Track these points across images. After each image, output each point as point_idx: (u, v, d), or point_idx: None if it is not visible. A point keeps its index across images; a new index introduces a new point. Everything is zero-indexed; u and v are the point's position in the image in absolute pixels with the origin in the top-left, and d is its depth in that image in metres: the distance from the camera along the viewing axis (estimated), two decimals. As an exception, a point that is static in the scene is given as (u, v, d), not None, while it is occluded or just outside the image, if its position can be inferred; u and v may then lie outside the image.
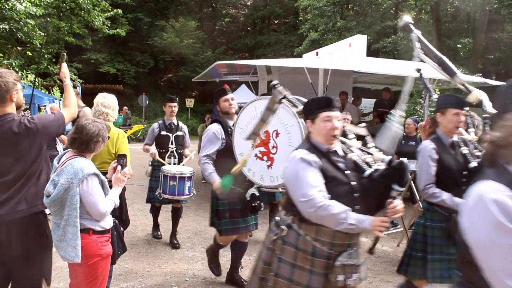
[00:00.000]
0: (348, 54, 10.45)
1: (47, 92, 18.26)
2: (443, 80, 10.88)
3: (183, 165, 6.06)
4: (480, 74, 18.76)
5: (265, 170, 3.90)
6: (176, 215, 6.50)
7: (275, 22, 38.73)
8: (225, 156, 4.32)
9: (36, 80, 16.35)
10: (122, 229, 3.70)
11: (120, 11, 20.05)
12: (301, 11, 33.11)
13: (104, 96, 4.48)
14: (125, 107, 23.82)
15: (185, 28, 31.56)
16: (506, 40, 23.45)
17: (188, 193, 5.46)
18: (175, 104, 6.25)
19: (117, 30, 20.64)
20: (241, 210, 4.41)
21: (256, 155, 3.92)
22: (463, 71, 16.55)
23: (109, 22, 20.20)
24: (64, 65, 3.76)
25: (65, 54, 3.99)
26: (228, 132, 4.48)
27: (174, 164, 6.12)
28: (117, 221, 3.51)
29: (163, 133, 6.21)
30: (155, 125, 6.33)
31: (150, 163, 6.33)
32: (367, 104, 14.11)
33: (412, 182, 6.34)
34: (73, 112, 3.52)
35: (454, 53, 23.82)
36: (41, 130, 3.20)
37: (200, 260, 5.77)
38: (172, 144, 6.20)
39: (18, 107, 3.42)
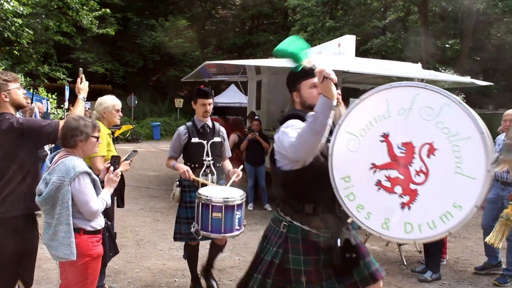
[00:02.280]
0: (337, 54, 10.48)
1: (35, 92, 18.10)
2: (431, 80, 10.97)
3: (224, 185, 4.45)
4: (468, 75, 18.93)
5: (395, 210, 2.39)
6: (216, 250, 4.80)
7: (264, 22, 38.76)
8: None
9: (24, 80, 16.22)
10: (114, 231, 3.68)
11: (108, 10, 19.97)
12: (290, 11, 33.19)
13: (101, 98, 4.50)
14: (114, 107, 23.67)
15: (174, 28, 31.46)
16: (493, 41, 23.68)
17: (239, 227, 3.77)
18: (210, 100, 4.49)
19: (106, 29, 20.53)
20: (332, 266, 2.69)
21: (378, 183, 2.43)
22: (451, 72, 16.71)
23: (98, 22, 20.08)
24: (82, 81, 3.87)
25: (81, 69, 3.94)
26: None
27: (213, 183, 4.40)
28: (109, 223, 3.50)
29: (195, 140, 4.46)
30: (181, 129, 4.55)
31: (178, 182, 4.50)
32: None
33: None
34: None
35: (442, 53, 24.02)
36: (27, 133, 3.18)
37: (190, 260, 5.75)
38: (207, 155, 4.46)
39: (18, 107, 3.42)
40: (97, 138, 3.20)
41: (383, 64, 10.13)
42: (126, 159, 3.76)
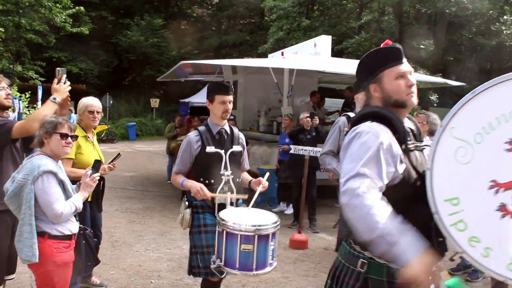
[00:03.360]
0: (313, 54, 10.54)
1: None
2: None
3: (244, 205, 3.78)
4: (441, 74, 19.26)
5: None
6: None
7: (241, 22, 38.75)
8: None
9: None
10: (96, 239, 3.59)
11: (82, 8, 19.66)
12: (266, 11, 33.25)
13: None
14: (89, 107, 23.34)
15: (150, 27, 31.20)
16: (465, 43, 24.15)
17: (272, 261, 3.03)
18: (231, 97, 3.57)
19: (80, 28, 20.22)
20: None
21: (502, 208, 1.82)
22: (425, 72, 16.97)
23: (72, 20, 19.76)
24: (60, 83, 3.56)
25: (59, 69, 3.61)
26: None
27: (232, 204, 3.58)
28: (87, 230, 3.40)
29: (210, 149, 3.50)
30: (192, 136, 3.57)
31: (187, 202, 3.57)
32: (336, 104, 14.27)
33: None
34: (29, 126, 3.31)
35: (416, 54, 24.38)
36: None
37: (166, 261, 5.71)
38: (226, 168, 3.53)
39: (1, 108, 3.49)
40: (65, 136, 3.03)
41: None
42: (110, 162, 3.88)
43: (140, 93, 31.08)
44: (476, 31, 23.55)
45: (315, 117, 8.02)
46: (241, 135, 3.76)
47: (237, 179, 3.63)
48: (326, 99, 11.87)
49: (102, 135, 23.09)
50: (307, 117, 7.87)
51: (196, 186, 3.36)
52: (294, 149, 6.94)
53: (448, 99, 24.55)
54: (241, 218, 2.97)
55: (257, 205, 10.27)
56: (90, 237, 3.40)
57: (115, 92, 29.11)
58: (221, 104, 3.50)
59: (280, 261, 5.91)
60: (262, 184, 3.49)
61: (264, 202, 9.27)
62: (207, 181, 3.49)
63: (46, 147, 3.03)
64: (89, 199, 4.29)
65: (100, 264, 5.33)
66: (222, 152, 3.53)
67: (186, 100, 27.07)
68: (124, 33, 30.40)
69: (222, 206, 3.47)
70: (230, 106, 3.52)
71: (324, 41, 10.94)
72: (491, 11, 21.05)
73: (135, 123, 26.58)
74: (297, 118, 8.81)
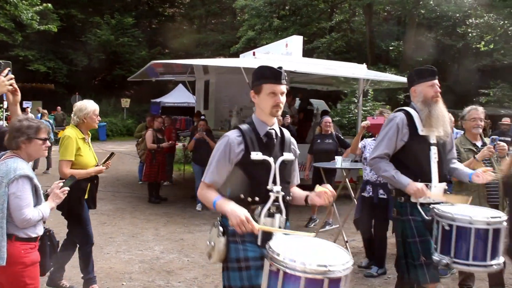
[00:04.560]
0: (285, 54, 10.59)
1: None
2: (376, 80, 11.29)
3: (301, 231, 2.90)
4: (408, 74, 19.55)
5: None
6: None
7: (213, 21, 38.64)
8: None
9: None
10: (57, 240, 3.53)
11: (50, 5, 19.25)
12: (238, 11, 33.24)
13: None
14: (59, 107, 22.88)
15: (121, 26, 30.81)
16: (433, 44, 24.67)
17: None
18: (284, 87, 2.68)
19: (48, 25, 19.80)
20: None
21: None
22: (394, 72, 17.26)
23: (39, 17, 19.33)
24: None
25: (2, 62, 3.25)
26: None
27: (280, 228, 2.69)
28: (51, 231, 3.37)
29: (256, 156, 2.63)
30: (233, 136, 2.69)
31: (221, 228, 2.64)
32: (315, 103, 14.36)
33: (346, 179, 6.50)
34: None
35: (386, 54, 24.77)
36: None
37: (137, 263, 5.65)
38: (275, 182, 2.66)
39: None
40: (44, 140, 3.08)
41: (330, 64, 10.32)
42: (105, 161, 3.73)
43: (111, 93, 30.67)
44: (443, 33, 24.08)
45: (287, 115, 8.05)
46: (293, 140, 2.89)
47: (287, 197, 2.75)
48: (296, 99, 11.97)
49: (72, 136, 22.63)
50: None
51: (238, 215, 2.42)
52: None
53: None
54: (301, 253, 2.21)
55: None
56: (54, 238, 3.37)
57: (85, 92, 28.60)
58: (270, 96, 2.62)
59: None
60: (327, 194, 2.64)
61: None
62: (249, 199, 2.60)
63: (22, 151, 3.03)
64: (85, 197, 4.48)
65: (70, 267, 5.25)
66: (271, 160, 2.64)
67: (158, 100, 26.87)
68: (93, 32, 29.93)
69: (267, 233, 2.57)
70: (283, 99, 2.64)
71: (296, 41, 11.00)
72: (457, 14, 21.57)
73: (105, 123, 26.18)
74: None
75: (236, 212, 2.44)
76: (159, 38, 35.64)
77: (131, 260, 5.75)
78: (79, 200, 4.40)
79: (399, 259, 3.55)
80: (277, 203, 2.65)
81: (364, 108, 12.74)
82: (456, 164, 3.73)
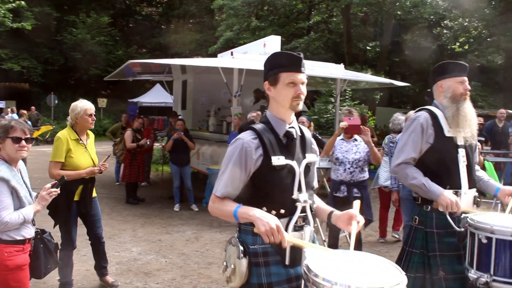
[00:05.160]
0: (263, 54, 10.60)
1: None
2: (354, 80, 11.38)
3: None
4: (383, 73, 19.83)
5: None
6: None
7: (190, 21, 38.45)
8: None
9: None
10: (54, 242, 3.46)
11: (23, 3, 18.84)
12: (216, 11, 33.14)
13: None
14: (33, 107, 22.50)
15: (97, 25, 30.44)
16: (409, 45, 24.99)
17: None
18: (304, 77, 2.28)
19: (22, 23, 19.40)
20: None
21: None
22: (371, 72, 17.43)
23: (12, 15, 18.94)
24: None
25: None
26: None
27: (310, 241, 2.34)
28: (46, 233, 3.31)
29: (278, 161, 2.25)
30: (248, 138, 2.27)
31: (241, 246, 2.24)
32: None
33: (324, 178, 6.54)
34: None
35: (363, 55, 25.00)
36: None
37: (115, 264, 5.60)
38: (300, 190, 2.30)
39: None
40: (18, 140, 3.01)
41: (307, 64, 10.33)
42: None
43: (87, 93, 30.17)
44: (419, 34, 24.42)
45: (266, 110, 8.01)
46: (313, 140, 2.52)
47: (314, 205, 2.43)
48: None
49: (47, 136, 22.32)
50: (257, 111, 7.88)
51: (268, 222, 2.03)
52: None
53: (394, 98, 25.34)
54: (347, 272, 1.82)
55: (207, 205, 10.23)
56: (48, 241, 3.33)
57: (61, 92, 28.25)
58: (290, 87, 2.22)
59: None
60: (356, 219, 2.19)
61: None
62: (273, 212, 2.19)
63: (3, 151, 3.00)
64: (75, 199, 4.45)
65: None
66: (294, 164, 2.27)
67: (135, 100, 26.62)
68: (69, 31, 29.50)
69: (296, 248, 2.21)
70: (304, 89, 2.25)
71: (274, 41, 11.01)
72: (432, 16, 21.90)
73: (81, 123, 25.83)
74: (246, 117, 8.84)
75: (266, 218, 2.05)
76: (136, 37, 35.34)
77: (108, 261, 5.69)
78: (66, 201, 4.34)
79: (412, 270, 3.12)
80: (304, 214, 2.28)
81: (342, 107, 12.84)
82: (480, 172, 3.40)
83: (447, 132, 3.12)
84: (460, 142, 3.13)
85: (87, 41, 29.19)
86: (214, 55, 19.23)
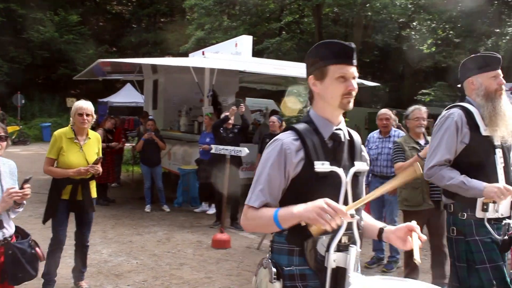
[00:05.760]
0: (234, 54, 10.60)
1: None
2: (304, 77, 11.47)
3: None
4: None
5: None
6: None
7: (162, 20, 38.11)
8: None
9: None
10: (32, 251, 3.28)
11: (-14, -1, 18.36)
12: (188, 10, 32.95)
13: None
14: (-2, 107, 21.93)
15: (66, 23, 29.84)
16: (379, 45, 25.36)
17: None
18: (355, 70, 1.97)
19: (-15, 20, 18.87)
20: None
21: None
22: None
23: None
24: None
25: None
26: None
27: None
28: (16, 241, 3.17)
29: (322, 167, 1.91)
30: (288, 138, 1.96)
31: (274, 268, 1.93)
32: (257, 103, 14.43)
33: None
34: None
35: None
36: None
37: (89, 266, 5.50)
38: (346, 203, 1.93)
39: None
40: None
41: (279, 64, 10.41)
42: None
43: (55, 92, 29.64)
44: (389, 35, 24.80)
45: (241, 104, 7.97)
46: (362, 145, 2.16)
47: (362, 222, 2.04)
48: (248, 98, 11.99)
49: (14, 137, 21.80)
50: (232, 105, 7.87)
51: (315, 206, 1.72)
52: (215, 148, 6.93)
53: (364, 98, 25.69)
54: None
55: (179, 206, 10.10)
56: (17, 248, 3.10)
57: (28, 91, 27.56)
58: (340, 81, 1.91)
59: (203, 261, 5.90)
60: (417, 232, 1.88)
61: (186, 202, 9.21)
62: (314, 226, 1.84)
63: None
64: (64, 197, 4.45)
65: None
66: (341, 172, 1.93)
67: (105, 99, 26.22)
68: (36, 29, 28.83)
69: (339, 271, 1.89)
70: (355, 84, 1.94)
71: (245, 41, 11.02)
72: (401, 19, 22.26)
73: (50, 123, 25.30)
74: (218, 117, 8.82)
75: (310, 204, 1.73)
76: (106, 36, 34.82)
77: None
78: (53, 200, 4.43)
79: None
80: (350, 232, 1.93)
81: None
82: None
83: (484, 131, 2.86)
84: (497, 142, 2.88)
85: (56, 40, 28.58)
86: (185, 54, 19.12)
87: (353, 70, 1.94)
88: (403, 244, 1.92)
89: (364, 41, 24.66)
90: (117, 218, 8.07)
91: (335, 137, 1.97)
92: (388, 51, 23.82)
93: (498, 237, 2.75)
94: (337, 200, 1.85)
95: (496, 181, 2.81)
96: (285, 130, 2.05)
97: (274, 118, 7.85)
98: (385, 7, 19.81)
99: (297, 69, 10.45)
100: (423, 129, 4.86)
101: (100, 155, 4.71)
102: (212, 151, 7.06)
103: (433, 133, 3.03)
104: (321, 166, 1.89)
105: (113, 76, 13.96)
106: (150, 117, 9.93)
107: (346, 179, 1.94)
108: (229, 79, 11.09)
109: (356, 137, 2.09)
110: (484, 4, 17.60)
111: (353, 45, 1.96)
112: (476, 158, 2.86)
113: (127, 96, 25.62)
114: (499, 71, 2.90)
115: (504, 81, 2.90)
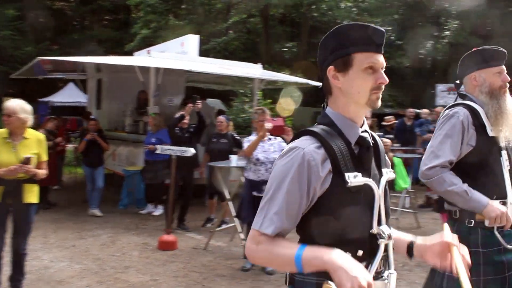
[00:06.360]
0: (181, 53, 10.50)
1: None
2: (269, 79, 11.56)
3: None
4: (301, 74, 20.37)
5: None
6: None
7: (106, 17, 37.22)
8: None
9: None
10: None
11: None
12: (133, 8, 32.34)
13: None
14: None
15: (2, 18, 28.57)
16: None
17: None
18: (382, 59, 1.63)
19: None
20: None
21: None
22: (288, 72, 17.82)
23: None
24: None
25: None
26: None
27: None
28: None
29: (354, 180, 1.53)
30: (310, 147, 1.53)
31: None
32: (211, 103, 14.33)
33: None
34: None
35: (280, 55, 25.50)
36: None
37: (29, 273, 5.29)
38: (380, 221, 1.61)
39: None
40: None
41: (226, 64, 10.40)
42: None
43: (-8, 91, 28.37)
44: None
45: (197, 101, 7.88)
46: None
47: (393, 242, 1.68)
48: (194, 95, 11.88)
49: None
50: (187, 102, 7.79)
51: (357, 278, 1.36)
52: (161, 149, 6.84)
53: (310, 98, 26.09)
54: None
55: (124, 208, 9.93)
56: None
57: (-40, 90, 26.21)
58: (367, 73, 1.57)
59: (149, 263, 5.82)
60: (458, 247, 1.64)
61: (132, 204, 9.05)
62: (348, 254, 1.48)
63: None
64: None
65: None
66: (374, 185, 1.59)
67: (46, 99, 25.33)
68: (-31, 24, 27.46)
69: None
70: (385, 76, 1.60)
71: (192, 40, 10.94)
72: (345, 20, 22.79)
73: (-14, 124, 24.18)
74: (164, 117, 8.71)
75: (354, 270, 1.37)
76: (47, 33, 33.61)
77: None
78: None
79: None
80: (384, 253, 1.61)
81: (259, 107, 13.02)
82: None
83: (490, 132, 2.62)
84: (502, 143, 2.65)
85: (-10, 36, 27.34)
86: (131, 53, 18.79)
87: (383, 59, 1.60)
88: (442, 262, 1.61)
89: (310, 42, 25.06)
90: (59, 222, 7.81)
91: (362, 141, 1.61)
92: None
93: (509, 246, 2.55)
94: (371, 220, 1.56)
95: (504, 187, 2.60)
96: (299, 134, 1.63)
97: (222, 118, 7.85)
98: (330, 9, 20.25)
99: (243, 68, 10.48)
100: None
101: (45, 158, 4.53)
102: (158, 151, 6.97)
103: (435, 131, 2.75)
104: (354, 179, 1.51)
105: (54, 75, 13.48)
106: (92, 117, 9.67)
107: (379, 193, 1.59)
108: (176, 79, 10.98)
109: (378, 139, 1.74)
110: (423, 8, 18.32)
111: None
112: (482, 161, 2.61)
113: (69, 95, 24.88)
114: (504, 67, 2.70)
115: (508, 78, 2.68)
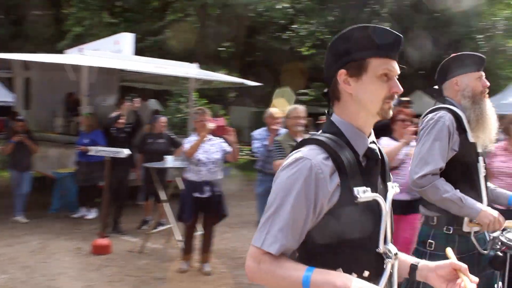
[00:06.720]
0: (115, 52, 10.24)
1: None
2: (206, 79, 11.51)
3: None
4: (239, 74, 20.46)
5: None
6: None
7: (35, 13, 35.62)
8: None
9: None
10: None
11: None
12: (64, 3, 31.17)
13: None
14: None
15: None
16: (262, 46, 26.07)
17: None
18: (397, 65, 1.54)
19: None
20: None
21: None
22: (225, 72, 17.84)
23: None
24: None
25: None
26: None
27: None
28: None
29: (364, 195, 1.43)
30: (318, 159, 1.42)
31: None
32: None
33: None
34: None
35: (217, 55, 25.47)
36: None
37: None
38: (386, 241, 1.54)
39: None
40: None
41: (162, 63, 10.24)
42: None
43: None
44: (271, 36, 25.61)
45: (135, 99, 7.72)
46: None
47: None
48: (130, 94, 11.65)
49: None
50: (123, 102, 7.64)
51: None
52: (94, 150, 6.65)
53: (245, 97, 26.29)
54: None
55: (56, 212, 9.60)
56: None
57: None
58: (381, 80, 1.48)
59: (82, 269, 5.65)
60: (467, 273, 1.47)
61: (64, 208, 8.71)
62: (354, 275, 1.40)
63: None
64: None
65: None
66: (382, 201, 1.50)
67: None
68: None
69: None
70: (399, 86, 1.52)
71: (127, 39, 10.70)
72: (282, 21, 23.13)
73: None
74: (98, 117, 8.47)
75: None
76: (-31, 28, 31.71)
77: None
78: None
79: None
80: (392, 278, 1.55)
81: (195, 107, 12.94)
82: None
83: (471, 137, 2.64)
84: (480, 149, 2.68)
85: None
86: (62, 52, 18.14)
87: (397, 67, 1.50)
88: (447, 286, 1.49)
89: (247, 42, 25.22)
90: (-17, 228, 7.40)
91: (370, 153, 1.51)
92: (270, 51, 24.59)
93: (483, 251, 2.57)
94: (377, 238, 1.47)
95: (479, 192, 2.63)
96: (303, 142, 1.51)
97: (163, 118, 7.82)
98: (267, 10, 20.46)
99: (179, 68, 10.37)
100: (301, 128, 5.08)
101: None
102: (91, 153, 6.77)
103: (420, 137, 2.69)
104: (363, 194, 1.41)
105: (-24, 73, 12.74)
106: (19, 117, 9.21)
107: (386, 209, 1.50)
108: (109, 78, 10.70)
109: (383, 150, 1.62)
110: (357, 11, 18.92)
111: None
112: (462, 166, 2.62)
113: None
114: (483, 73, 2.73)
115: (488, 83, 2.70)
